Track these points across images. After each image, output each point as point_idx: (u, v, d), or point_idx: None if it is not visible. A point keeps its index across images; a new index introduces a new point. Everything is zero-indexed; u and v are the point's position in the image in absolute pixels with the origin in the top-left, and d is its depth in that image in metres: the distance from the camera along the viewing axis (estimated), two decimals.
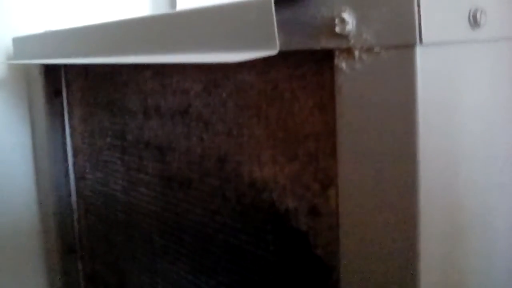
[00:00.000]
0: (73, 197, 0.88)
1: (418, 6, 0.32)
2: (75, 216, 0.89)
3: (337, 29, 0.36)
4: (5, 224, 0.88)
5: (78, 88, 0.81)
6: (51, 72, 0.85)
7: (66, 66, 0.83)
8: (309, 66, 0.43)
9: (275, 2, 0.37)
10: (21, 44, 0.79)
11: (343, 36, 0.36)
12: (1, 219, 0.88)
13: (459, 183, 0.39)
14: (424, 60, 0.34)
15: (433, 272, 0.38)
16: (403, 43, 0.34)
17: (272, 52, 0.36)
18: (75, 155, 0.86)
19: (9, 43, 0.83)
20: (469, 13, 0.37)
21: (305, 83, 0.43)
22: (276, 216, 0.50)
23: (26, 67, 0.88)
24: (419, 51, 0.33)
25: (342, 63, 0.37)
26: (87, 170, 0.83)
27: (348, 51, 0.36)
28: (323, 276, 0.45)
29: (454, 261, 0.41)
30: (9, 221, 0.89)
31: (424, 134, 0.35)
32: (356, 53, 0.36)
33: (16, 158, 0.90)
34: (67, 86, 0.84)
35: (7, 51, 0.84)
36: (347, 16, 0.36)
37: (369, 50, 0.35)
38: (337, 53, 0.37)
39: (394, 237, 0.37)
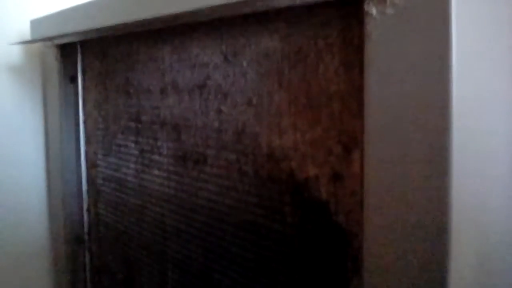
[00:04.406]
0: (84, 186, 0.87)
1: None
2: (85, 205, 0.87)
3: None
4: (12, 210, 0.87)
5: (95, 73, 0.80)
6: (67, 58, 0.84)
7: (83, 50, 0.83)
8: (335, 23, 0.42)
9: None
10: (39, 25, 0.79)
11: None
12: (8, 205, 0.87)
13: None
14: (461, 2, 0.32)
15: (465, 240, 0.36)
16: None
17: None
18: (87, 142, 0.85)
19: (25, 28, 0.82)
20: None
21: (331, 41, 0.42)
22: (295, 186, 0.48)
23: (42, 53, 0.87)
24: None
25: (372, 9, 0.36)
26: (99, 157, 0.81)
27: None
28: (344, 244, 0.43)
29: (482, 226, 0.39)
30: (17, 208, 0.88)
31: (459, 83, 0.33)
32: None
33: (27, 145, 0.88)
34: (83, 72, 0.83)
35: (22, 36, 0.84)
36: None
37: None
38: None
39: (426, 196, 0.35)
